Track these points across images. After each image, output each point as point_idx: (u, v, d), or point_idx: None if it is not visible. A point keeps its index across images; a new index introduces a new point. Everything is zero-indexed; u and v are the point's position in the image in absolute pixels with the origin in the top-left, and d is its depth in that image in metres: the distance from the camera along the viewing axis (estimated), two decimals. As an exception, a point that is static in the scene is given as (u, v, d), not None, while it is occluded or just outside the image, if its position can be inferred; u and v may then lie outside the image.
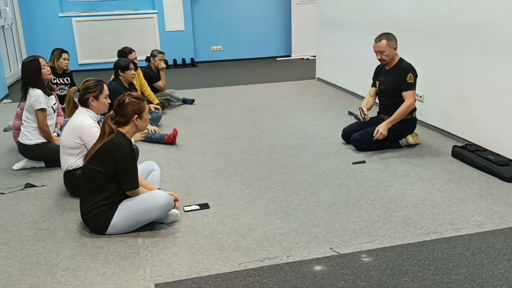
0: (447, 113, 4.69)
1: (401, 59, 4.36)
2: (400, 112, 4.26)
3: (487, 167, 3.76)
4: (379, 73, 4.55)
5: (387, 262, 2.58)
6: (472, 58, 4.24)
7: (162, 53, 6.39)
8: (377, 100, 4.63)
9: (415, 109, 4.39)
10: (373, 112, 4.78)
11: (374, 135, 4.26)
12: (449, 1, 4.50)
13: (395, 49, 4.30)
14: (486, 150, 4.01)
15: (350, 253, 2.68)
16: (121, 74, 5.25)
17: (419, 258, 2.61)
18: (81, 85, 3.49)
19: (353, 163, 4.09)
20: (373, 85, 4.61)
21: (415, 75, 4.29)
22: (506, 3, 3.79)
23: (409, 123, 4.40)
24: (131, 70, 5.27)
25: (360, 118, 4.47)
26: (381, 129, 4.24)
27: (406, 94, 4.26)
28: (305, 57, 10.91)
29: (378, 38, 4.31)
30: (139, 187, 2.96)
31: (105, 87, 3.54)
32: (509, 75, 3.84)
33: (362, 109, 4.47)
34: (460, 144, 4.27)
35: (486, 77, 4.10)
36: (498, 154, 3.90)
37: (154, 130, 4.97)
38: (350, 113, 5.79)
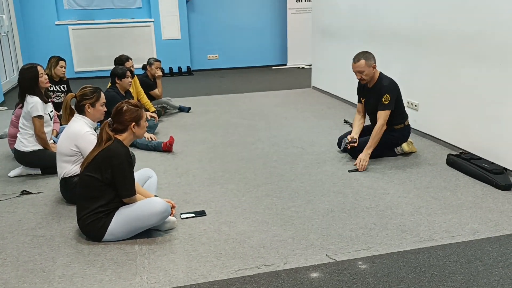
0: (442, 122, 4.73)
1: (380, 76, 4.31)
2: (374, 136, 4.21)
3: (481, 175, 3.79)
4: (362, 90, 4.53)
5: (383, 269, 2.59)
6: (467, 67, 4.29)
7: (159, 61, 6.41)
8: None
9: (407, 117, 4.42)
10: (367, 121, 4.80)
11: (356, 164, 4.16)
12: (444, 11, 4.55)
13: (374, 67, 4.25)
14: (480, 158, 4.04)
15: (347, 260, 2.70)
16: (118, 81, 5.27)
17: (415, 265, 2.62)
18: (78, 92, 3.50)
19: (349, 171, 4.11)
20: (359, 101, 4.60)
21: (393, 95, 4.22)
22: (500, 14, 3.84)
23: (403, 131, 4.43)
24: (128, 78, 5.29)
25: (348, 147, 4.40)
26: (363, 156, 4.17)
27: (379, 114, 4.23)
28: (300, 66, 10.96)
29: (356, 58, 4.24)
30: (136, 194, 2.97)
31: (102, 95, 3.54)
32: (503, 84, 3.88)
33: (346, 139, 4.41)
34: (454, 153, 4.31)
35: (480, 86, 4.14)
36: (492, 163, 3.93)
37: (151, 138, 4.98)
38: (345, 121, 5.82)
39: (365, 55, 4.22)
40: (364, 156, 4.18)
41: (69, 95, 3.59)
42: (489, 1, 3.95)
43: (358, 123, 4.54)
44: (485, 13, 4.01)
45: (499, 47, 3.88)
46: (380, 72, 4.35)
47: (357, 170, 4.12)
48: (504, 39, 3.81)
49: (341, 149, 4.53)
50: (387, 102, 4.21)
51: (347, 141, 4.38)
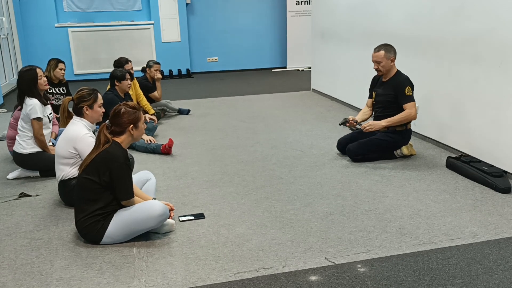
0: (442, 125, 4.73)
1: (398, 72, 4.39)
2: (400, 117, 4.27)
3: (481, 178, 3.78)
4: (375, 84, 4.58)
5: (382, 273, 2.58)
6: (467, 70, 4.29)
7: (158, 63, 6.41)
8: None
9: (410, 121, 4.42)
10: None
11: (365, 126, 4.34)
12: (443, 13, 4.55)
13: (393, 61, 4.32)
14: (480, 161, 4.03)
15: (346, 263, 2.68)
16: (117, 84, 5.26)
17: (414, 269, 2.61)
18: (75, 94, 3.50)
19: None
20: (370, 96, 4.63)
21: (412, 88, 4.31)
22: (500, 16, 3.84)
23: (404, 134, 4.42)
24: (127, 80, 5.28)
25: (352, 125, 4.57)
26: (373, 123, 4.31)
27: (407, 106, 4.27)
28: (300, 69, 10.96)
29: (377, 48, 4.35)
30: (134, 196, 2.95)
31: (99, 96, 3.54)
32: (503, 86, 3.88)
33: (348, 118, 4.56)
34: (454, 155, 4.30)
35: (480, 88, 4.14)
36: (492, 165, 3.93)
37: (150, 140, 4.97)
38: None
39: (386, 47, 4.31)
40: (374, 123, 4.30)
41: (67, 98, 3.58)
42: (488, 4, 3.94)
43: (364, 112, 4.67)
44: (483, 16, 4.01)
45: (498, 49, 3.88)
46: (398, 69, 4.40)
47: (345, 123, 4.41)
48: (503, 42, 3.81)
49: (340, 123, 4.63)
50: (410, 93, 4.28)
51: (349, 119, 4.48)
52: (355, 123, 4.49)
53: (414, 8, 5.01)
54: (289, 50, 10.97)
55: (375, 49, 4.37)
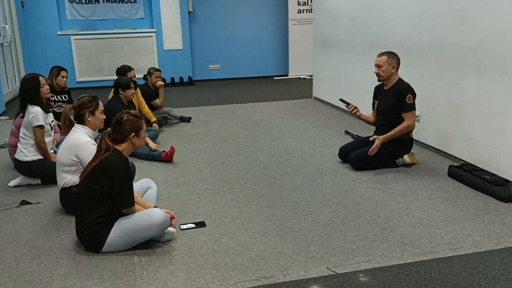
0: (444, 133, 4.72)
1: (400, 80, 4.40)
2: (398, 130, 4.30)
3: (483, 187, 3.77)
4: (377, 93, 4.59)
5: (384, 282, 2.56)
6: (469, 79, 4.29)
7: (159, 71, 6.42)
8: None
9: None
10: (370, 131, 4.80)
11: (370, 150, 4.33)
12: (445, 22, 4.56)
13: (394, 67, 4.34)
14: (482, 170, 4.02)
15: (347, 272, 2.67)
16: (121, 92, 5.27)
17: (416, 278, 2.60)
18: (76, 102, 3.51)
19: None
20: (373, 107, 4.64)
21: (414, 96, 4.32)
22: (502, 26, 3.84)
23: (406, 142, 4.42)
24: (131, 89, 5.29)
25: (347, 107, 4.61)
26: (377, 142, 4.32)
27: (406, 115, 4.29)
28: (302, 77, 10.98)
29: (381, 53, 4.40)
30: (135, 205, 2.95)
31: (100, 102, 3.56)
32: (504, 96, 3.87)
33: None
34: (456, 164, 4.29)
35: (482, 97, 4.13)
36: (494, 174, 3.91)
37: (155, 148, 4.95)
38: (346, 132, 5.81)
39: (390, 54, 4.37)
40: (379, 142, 4.33)
41: (68, 106, 3.59)
42: (490, 14, 3.95)
43: (370, 116, 4.67)
44: (486, 26, 4.01)
45: (500, 59, 3.88)
46: (400, 78, 4.41)
47: (347, 104, 4.54)
48: (505, 50, 3.81)
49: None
50: (411, 101, 4.30)
51: (351, 107, 4.55)
52: (350, 106, 4.53)
53: (416, 17, 5.02)
54: (290, 58, 11.01)
55: (379, 54, 4.42)
